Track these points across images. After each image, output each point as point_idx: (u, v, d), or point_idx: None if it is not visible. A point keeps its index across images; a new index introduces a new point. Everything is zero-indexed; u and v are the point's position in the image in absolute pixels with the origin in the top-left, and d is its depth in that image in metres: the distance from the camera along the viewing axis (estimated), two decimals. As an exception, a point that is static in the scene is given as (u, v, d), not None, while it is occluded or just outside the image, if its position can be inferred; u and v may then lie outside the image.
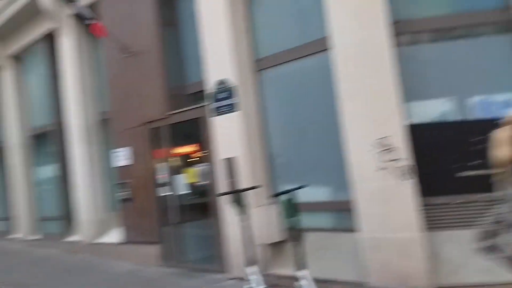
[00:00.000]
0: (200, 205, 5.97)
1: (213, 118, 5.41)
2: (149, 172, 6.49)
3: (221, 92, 5.29)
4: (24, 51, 9.81)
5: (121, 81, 6.97)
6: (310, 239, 4.70)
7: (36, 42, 9.27)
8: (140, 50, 6.54)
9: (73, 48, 8.05)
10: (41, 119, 9.61)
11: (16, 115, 10.18)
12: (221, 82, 5.29)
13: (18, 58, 10.19)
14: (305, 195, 4.45)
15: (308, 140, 5.04)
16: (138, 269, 6.31)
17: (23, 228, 9.99)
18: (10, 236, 10.41)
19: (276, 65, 5.20)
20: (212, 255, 5.66)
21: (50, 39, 8.81)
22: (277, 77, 5.28)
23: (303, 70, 5.04)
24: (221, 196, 5.12)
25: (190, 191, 6.19)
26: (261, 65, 5.33)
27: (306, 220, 4.59)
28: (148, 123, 6.48)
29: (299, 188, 4.18)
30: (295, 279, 4.19)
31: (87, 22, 6.49)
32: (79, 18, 6.64)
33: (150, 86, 6.41)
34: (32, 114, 10.06)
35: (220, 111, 5.34)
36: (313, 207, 4.88)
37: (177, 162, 6.34)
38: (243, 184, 4.96)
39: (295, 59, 5.02)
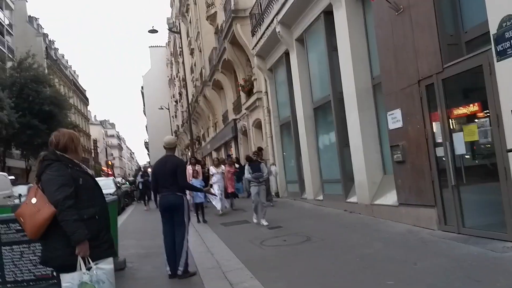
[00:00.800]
0: (483, 166, 5.23)
1: (500, 62, 4.59)
2: (423, 133, 6.16)
3: (510, 30, 4.41)
4: (306, 32, 10.99)
5: (391, 41, 6.84)
6: None
7: (314, 22, 10.23)
8: (410, 4, 6.22)
9: (345, 19, 8.45)
10: (321, 92, 10.62)
11: (301, 91, 11.57)
12: (510, 18, 4.40)
13: (301, 40, 11.50)
14: None
15: None
16: (413, 231, 6.16)
17: (309, 189, 11.39)
18: (302, 197, 12.05)
19: None
20: (499, 222, 4.89)
21: (326, 16, 9.55)
22: None
23: None
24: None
25: (470, 151, 5.51)
26: None
27: None
28: (420, 81, 6.13)
29: None
30: None
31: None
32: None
33: (422, 41, 6.03)
34: (313, 89, 11.21)
35: (509, 53, 4.47)
36: None
37: (454, 119, 5.74)
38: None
39: None
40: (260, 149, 11.81)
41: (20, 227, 4.19)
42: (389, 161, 7.51)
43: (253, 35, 15.18)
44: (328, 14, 9.42)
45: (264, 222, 8.42)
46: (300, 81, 11.55)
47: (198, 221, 10.14)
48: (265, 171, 9.15)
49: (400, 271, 4.34)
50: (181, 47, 34.96)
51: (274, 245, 6.44)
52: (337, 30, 8.87)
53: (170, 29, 37.55)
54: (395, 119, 6.87)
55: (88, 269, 2.71)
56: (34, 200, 2.77)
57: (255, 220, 9.01)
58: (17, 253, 4.38)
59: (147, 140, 72.31)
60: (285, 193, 14.07)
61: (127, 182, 24.28)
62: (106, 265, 2.81)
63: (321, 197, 10.69)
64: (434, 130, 6.00)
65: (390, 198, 7.30)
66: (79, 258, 2.71)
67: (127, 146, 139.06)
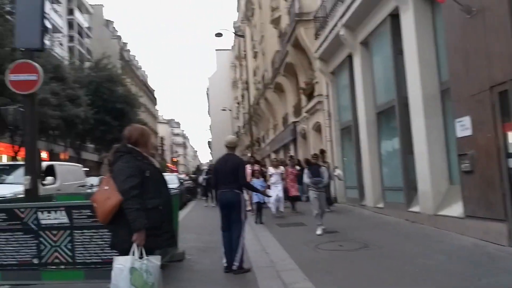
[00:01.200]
0: None
1: None
2: (494, 142, 5.79)
3: None
4: (370, 35, 10.75)
5: (462, 45, 6.51)
6: None
7: (380, 25, 9.99)
8: (484, 7, 5.89)
9: (413, 22, 8.16)
10: (385, 97, 10.32)
11: (364, 95, 11.32)
12: None
13: (365, 43, 11.27)
14: None
15: None
16: (480, 245, 5.80)
17: (369, 196, 11.10)
18: (361, 203, 11.77)
19: None
20: None
21: (392, 19, 9.29)
22: None
23: None
24: None
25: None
26: None
27: None
28: (492, 87, 5.78)
29: None
30: None
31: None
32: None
33: (496, 45, 5.68)
34: (377, 93, 10.93)
35: None
36: None
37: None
38: None
39: None
40: (322, 152, 11.60)
41: (91, 213, 4.53)
42: (456, 171, 7.14)
43: (316, 38, 15.10)
44: (394, 17, 9.15)
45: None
46: (364, 84, 11.30)
47: (256, 221, 10.19)
48: (325, 176, 8.47)
49: (461, 285, 4.13)
50: (245, 51, 35.59)
51: (330, 249, 6.37)
52: (404, 33, 8.59)
53: (235, 33, 38.41)
54: (463, 127, 6.52)
55: (141, 258, 2.89)
56: (106, 188, 3.03)
57: (319, 232, 7.79)
58: (87, 237, 4.73)
59: (211, 140, 74.50)
60: (344, 199, 13.81)
61: (190, 179, 25.12)
62: (155, 261, 2.97)
63: (381, 205, 10.38)
64: (507, 140, 5.62)
65: (456, 209, 6.93)
66: (134, 245, 2.90)
67: (191, 145, 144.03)
